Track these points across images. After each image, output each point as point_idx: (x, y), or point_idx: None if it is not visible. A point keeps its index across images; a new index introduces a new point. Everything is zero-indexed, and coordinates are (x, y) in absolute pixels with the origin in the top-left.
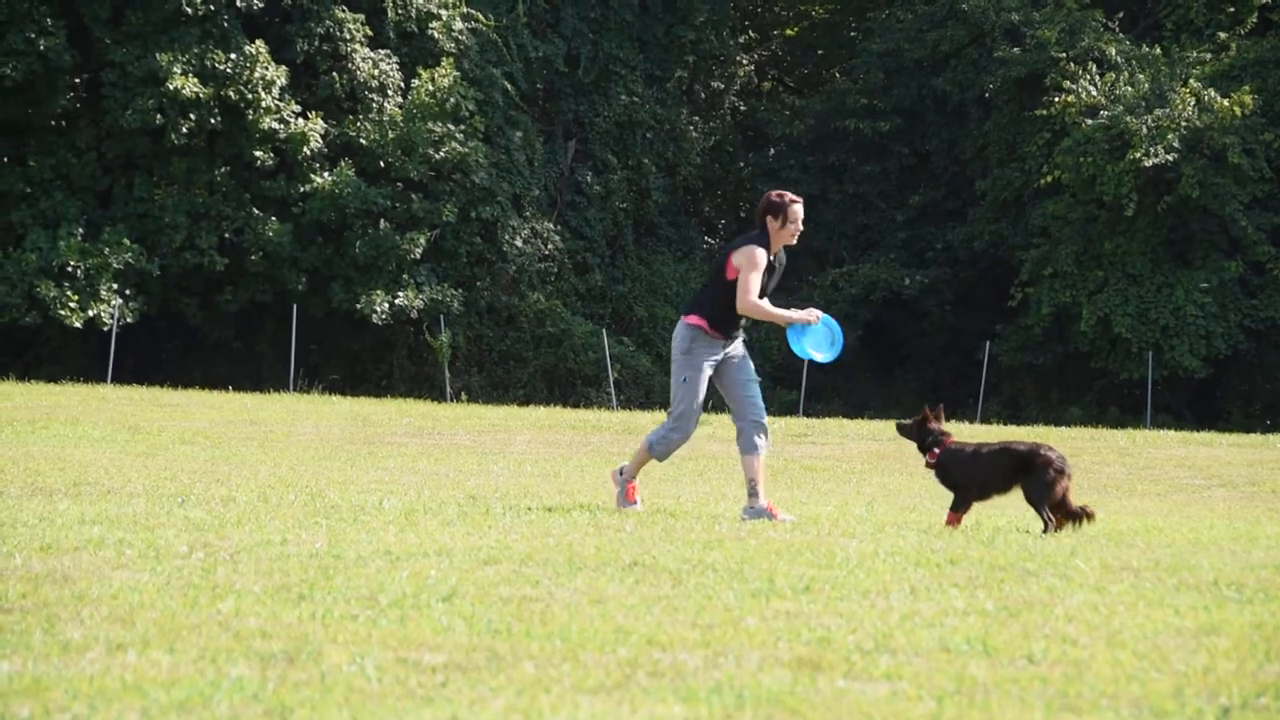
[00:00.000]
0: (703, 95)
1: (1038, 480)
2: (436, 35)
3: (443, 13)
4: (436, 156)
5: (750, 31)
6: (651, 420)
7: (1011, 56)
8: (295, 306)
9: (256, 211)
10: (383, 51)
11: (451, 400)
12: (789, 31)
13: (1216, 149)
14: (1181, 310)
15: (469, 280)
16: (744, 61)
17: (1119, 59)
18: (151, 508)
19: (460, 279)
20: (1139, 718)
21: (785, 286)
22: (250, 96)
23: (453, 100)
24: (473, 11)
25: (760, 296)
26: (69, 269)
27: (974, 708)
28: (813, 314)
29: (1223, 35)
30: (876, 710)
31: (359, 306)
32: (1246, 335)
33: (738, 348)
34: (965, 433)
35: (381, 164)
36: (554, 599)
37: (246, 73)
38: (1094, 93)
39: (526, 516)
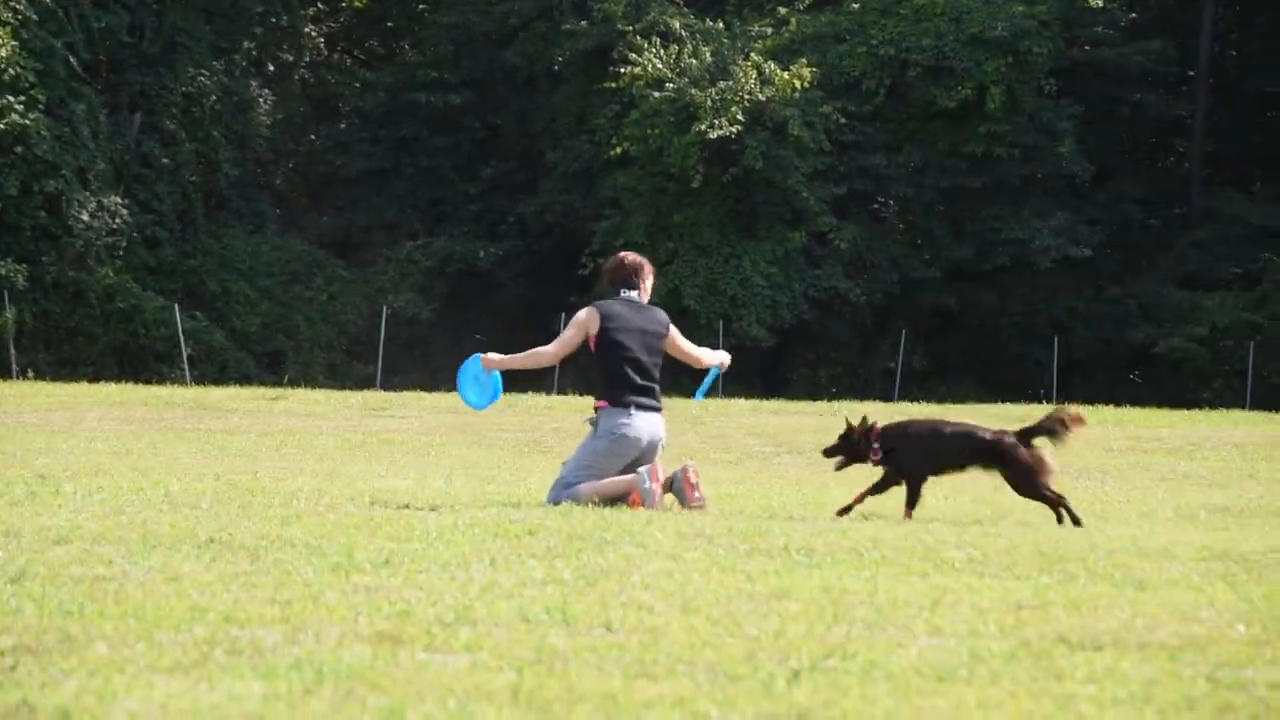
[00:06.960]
0: (272, 67)
1: None
2: None
3: None
4: None
5: (319, 3)
6: (225, 395)
7: (579, 29)
8: None
9: None
10: None
11: (17, 378)
12: (358, 4)
13: (778, 121)
14: (748, 281)
15: (33, 255)
16: (313, 33)
17: (683, 32)
18: None
19: (24, 254)
20: (713, 682)
21: (361, 260)
22: None
23: (12, 71)
24: None
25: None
26: None
27: (553, 676)
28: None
29: (782, 10)
30: (457, 681)
31: None
32: (810, 304)
33: None
34: (542, 404)
35: None
36: (128, 578)
37: None
38: (659, 66)
39: (98, 495)
